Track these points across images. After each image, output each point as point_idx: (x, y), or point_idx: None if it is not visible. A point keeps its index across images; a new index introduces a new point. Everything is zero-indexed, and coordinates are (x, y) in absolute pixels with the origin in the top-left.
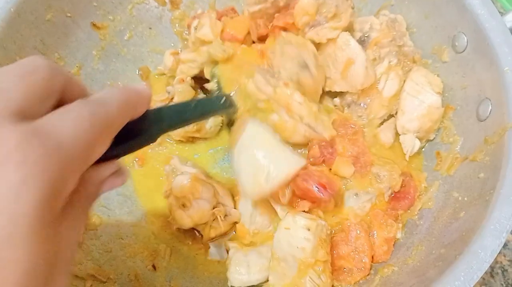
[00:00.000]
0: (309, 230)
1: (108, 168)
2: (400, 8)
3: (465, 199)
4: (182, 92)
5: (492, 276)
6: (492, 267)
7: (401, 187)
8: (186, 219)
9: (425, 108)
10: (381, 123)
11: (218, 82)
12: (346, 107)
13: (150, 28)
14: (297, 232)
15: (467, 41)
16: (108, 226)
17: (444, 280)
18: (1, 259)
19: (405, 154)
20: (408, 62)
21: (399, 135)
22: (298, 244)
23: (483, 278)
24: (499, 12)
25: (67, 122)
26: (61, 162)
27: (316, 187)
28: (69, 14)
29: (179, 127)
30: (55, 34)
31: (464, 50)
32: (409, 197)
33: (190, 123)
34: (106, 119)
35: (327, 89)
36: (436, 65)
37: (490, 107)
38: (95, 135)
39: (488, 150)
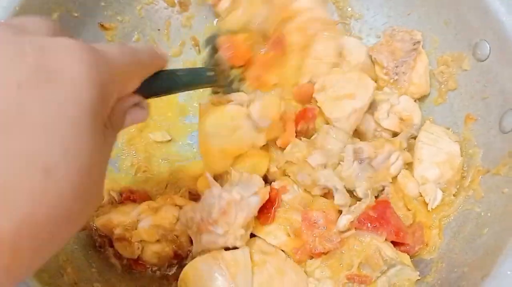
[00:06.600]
0: None
1: (131, 99)
2: (418, 15)
3: (488, 214)
4: None
5: None
6: None
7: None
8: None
9: (445, 155)
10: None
11: (211, 50)
12: None
13: (158, 30)
14: None
15: (490, 49)
16: None
17: None
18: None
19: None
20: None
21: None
22: None
23: None
24: None
25: (113, 49)
26: (109, 73)
27: None
28: (76, 14)
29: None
30: (60, 34)
31: (486, 59)
32: (407, 247)
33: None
34: (139, 60)
35: None
36: (456, 73)
37: None
38: (131, 68)
39: None
